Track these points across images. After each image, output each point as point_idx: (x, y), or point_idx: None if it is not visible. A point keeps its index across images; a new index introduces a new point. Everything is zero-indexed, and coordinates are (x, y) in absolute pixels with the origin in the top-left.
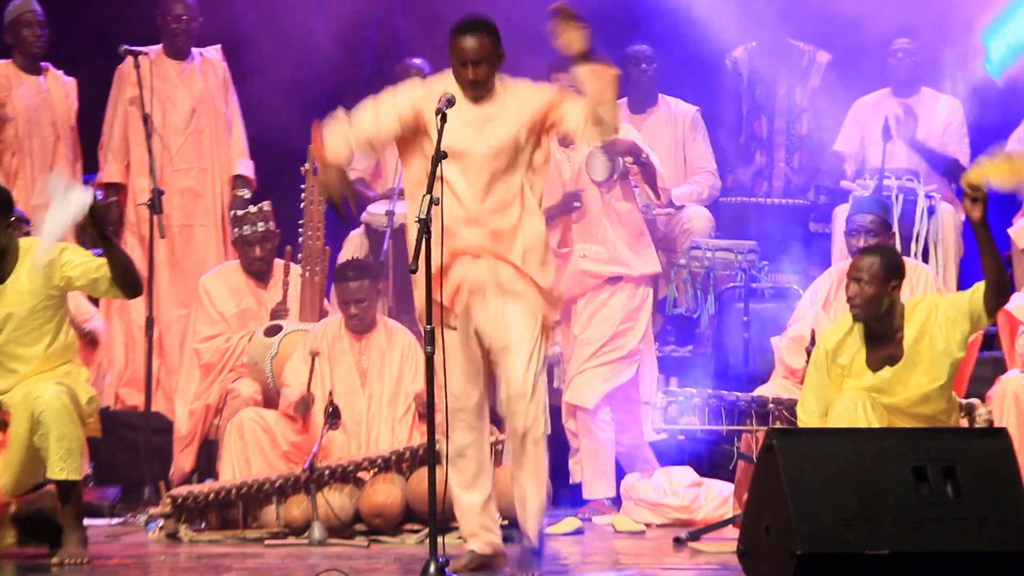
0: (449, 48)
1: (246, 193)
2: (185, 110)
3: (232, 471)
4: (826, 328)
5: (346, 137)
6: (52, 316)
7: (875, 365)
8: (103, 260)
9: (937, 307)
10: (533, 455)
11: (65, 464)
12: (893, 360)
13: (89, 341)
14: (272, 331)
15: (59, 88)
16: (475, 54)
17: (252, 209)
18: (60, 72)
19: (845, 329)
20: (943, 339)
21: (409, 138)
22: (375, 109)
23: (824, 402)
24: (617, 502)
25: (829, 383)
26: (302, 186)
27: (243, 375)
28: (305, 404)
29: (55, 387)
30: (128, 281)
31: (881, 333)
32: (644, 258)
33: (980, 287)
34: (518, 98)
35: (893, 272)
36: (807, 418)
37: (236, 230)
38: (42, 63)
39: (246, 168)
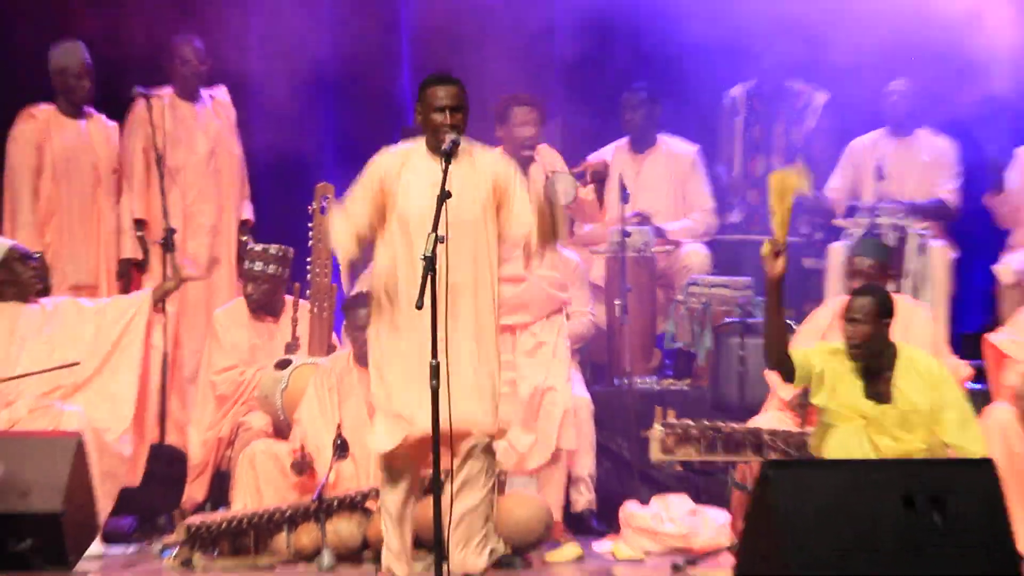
0: (420, 101)
1: (249, 239)
2: (204, 152)
3: (244, 501)
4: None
5: (351, 231)
6: None
7: (867, 396)
8: None
9: (943, 396)
10: None
11: None
12: (880, 399)
13: None
14: (282, 364)
15: (100, 132)
16: (453, 100)
17: (271, 249)
18: (102, 116)
19: (843, 350)
20: (930, 422)
21: (382, 212)
22: (361, 201)
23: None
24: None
25: (816, 353)
26: (309, 224)
27: (254, 408)
28: (301, 466)
29: None
30: None
31: (875, 370)
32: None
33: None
34: (482, 164)
35: (886, 311)
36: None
37: (246, 262)
38: (85, 108)
39: (250, 211)
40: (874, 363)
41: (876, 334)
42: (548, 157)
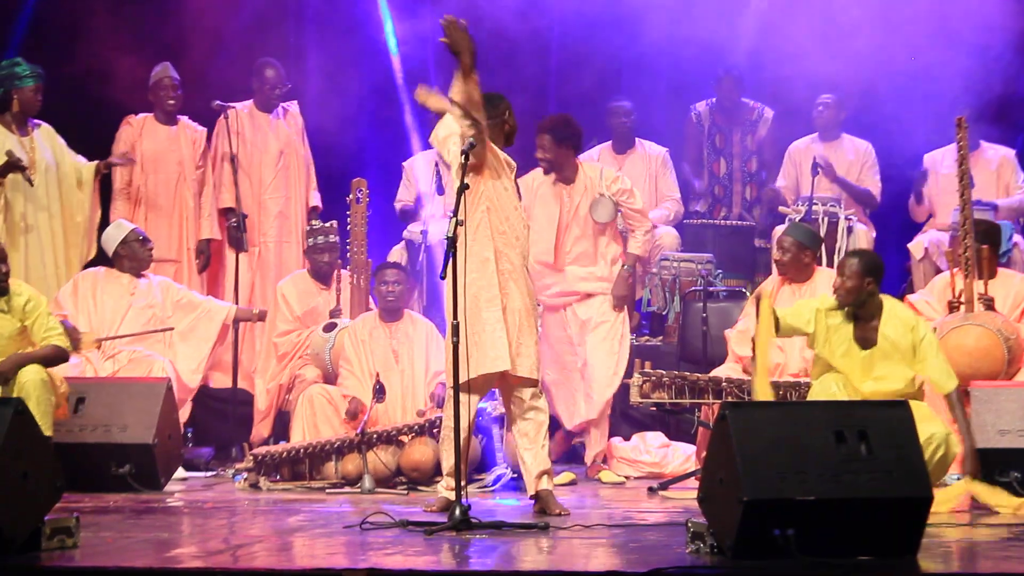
0: None
1: (318, 222)
2: (274, 152)
3: (303, 432)
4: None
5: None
6: (24, 334)
7: (856, 340)
8: (53, 331)
9: (919, 335)
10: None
11: (41, 421)
12: (867, 343)
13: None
14: (329, 327)
15: (187, 136)
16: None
17: (325, 224)
18: (194, 124)
19: (835, 306)
20: (909, 359)
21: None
22: None
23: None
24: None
25: (809, 321)
26: (347, 212)
27: (308, 363)
28: (353, 412)
29: (34, 366)
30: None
31: (860, 317)
32: None
33: (935, 377)
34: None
35: (870, 271)
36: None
37: (310, 240)
38: (178, 115)
39: (318, 199)
40: (862, 312)
41: (857, 288)
42: (590, 172)
